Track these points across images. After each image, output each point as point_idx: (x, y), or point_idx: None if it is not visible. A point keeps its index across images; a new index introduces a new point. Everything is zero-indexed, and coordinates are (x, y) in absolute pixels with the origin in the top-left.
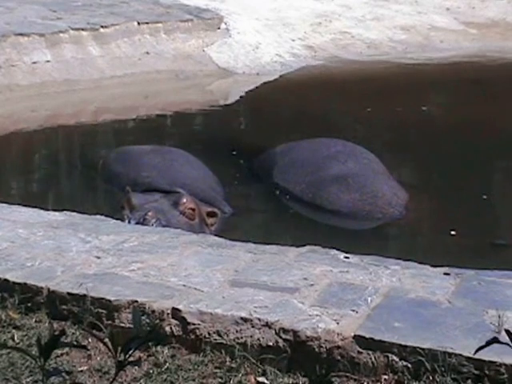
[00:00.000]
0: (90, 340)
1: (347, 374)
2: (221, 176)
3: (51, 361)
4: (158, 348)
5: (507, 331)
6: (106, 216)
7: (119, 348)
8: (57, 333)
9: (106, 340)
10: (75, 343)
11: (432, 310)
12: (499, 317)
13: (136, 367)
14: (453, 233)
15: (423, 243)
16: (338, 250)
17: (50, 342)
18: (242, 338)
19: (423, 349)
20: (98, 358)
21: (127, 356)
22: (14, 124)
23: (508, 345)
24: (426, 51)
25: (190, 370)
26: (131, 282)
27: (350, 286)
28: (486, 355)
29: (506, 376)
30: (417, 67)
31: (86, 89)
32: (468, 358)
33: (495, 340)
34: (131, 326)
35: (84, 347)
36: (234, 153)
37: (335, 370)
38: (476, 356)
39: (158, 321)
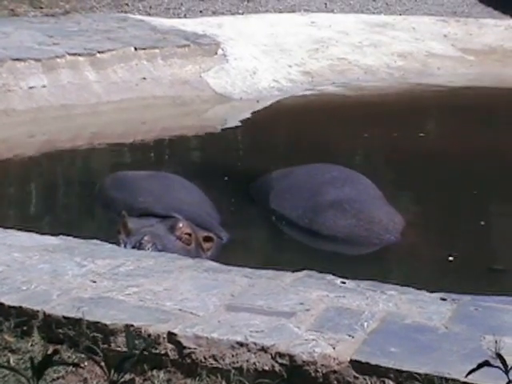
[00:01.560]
0: (85, 363)
1: None
2: (217, 201)
3: None
4: (154, 372)
5: (499, 355)
6: (102, 240)
7: (112, 369)
8: (50, 352)
9: (100, 360)
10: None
11: (429, 335)
12: (496, 342)
13: None
14: (450, 258)
15: (420, 269)
16: (334, 275)
17: (42, 362)
18: (237, 362)
19: (420, 374)
20: (94, 382)
21: (120, 376)
22: (10, 149)
23: (499, 368)
24: (424, 78)
25: None
26: (127, 306)
27: (347, 310)
28: (482, 380)
29: None
30: (414, 93)
31: (82, 114)
32: None
33: (486, 363)
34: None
35: (77, 365)
36: (230, 178)
37: None
38: (472, 381)
39: (152, 342)
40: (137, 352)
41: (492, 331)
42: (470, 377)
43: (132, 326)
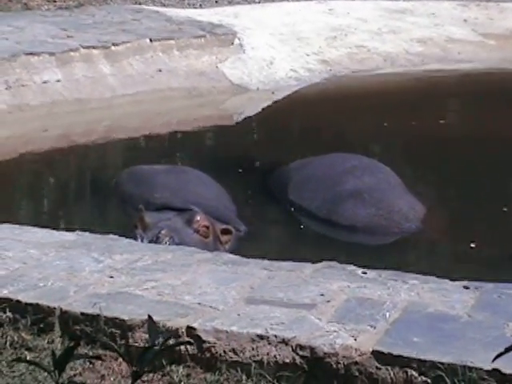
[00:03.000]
0: (103, 360)
1: None
2: (234, 194)
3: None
4: (173, 367)
5: None
6: (119, 235)
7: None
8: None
9: (122, 353)
10: (88, 362)
11: (451, 324)
12: None
13: None
14: (472, 245)
15: (442, 257)
16: (355, 265)
17: (64, 355)
18: (258, 355)
19: (443, 363)
20: (112, 379)
21: (142, 368)
22: (24, 144)
23: None
24: (444, 63)
25: None
26: (145, 300)
27: (368, 301)
28: (506, 368)
29: None
30: (434, 80)
31: (97, 108)
32: (488, 372)
33: None
34: (146, 345)
35: (99, 358)
36: (248, 170)
37: None
38: (497, 369)
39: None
40: (158, 343)
41: None
42: (493, 364)
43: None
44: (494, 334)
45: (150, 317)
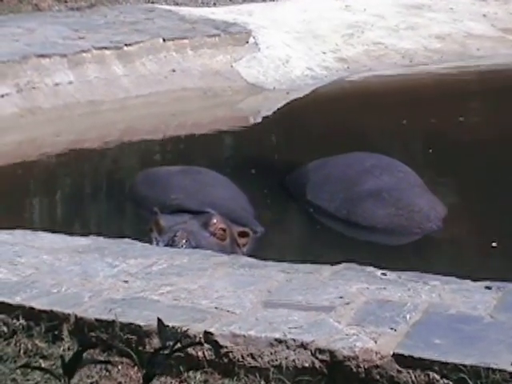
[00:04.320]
0: (119, 367)
1: None
2: (251, 195)
3: None
4: (190, 373)
5: None
6: (134, 239)
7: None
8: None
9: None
10: (105, 370)
11: (473, 325)
12: None
13: None
14: (494, 245)
15: (463, 257)
16: (374, 266)
17: (72, 359)
18: (276, 360)
19: (465, 365)
20: None
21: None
22: (37, 149)
23: None
24: (463, 60)
25: None
26: (161, 305)
27: (388, 303)
28: None
29: None
30: (453, 76)
31: (110, 110)
32: None
33: None
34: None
35: (109, 362)
36: (265, 171)
37: None
38: None
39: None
40: (169, 347)
41: None
42: None
43: (167, 326)
44: None
45: (159, 320)
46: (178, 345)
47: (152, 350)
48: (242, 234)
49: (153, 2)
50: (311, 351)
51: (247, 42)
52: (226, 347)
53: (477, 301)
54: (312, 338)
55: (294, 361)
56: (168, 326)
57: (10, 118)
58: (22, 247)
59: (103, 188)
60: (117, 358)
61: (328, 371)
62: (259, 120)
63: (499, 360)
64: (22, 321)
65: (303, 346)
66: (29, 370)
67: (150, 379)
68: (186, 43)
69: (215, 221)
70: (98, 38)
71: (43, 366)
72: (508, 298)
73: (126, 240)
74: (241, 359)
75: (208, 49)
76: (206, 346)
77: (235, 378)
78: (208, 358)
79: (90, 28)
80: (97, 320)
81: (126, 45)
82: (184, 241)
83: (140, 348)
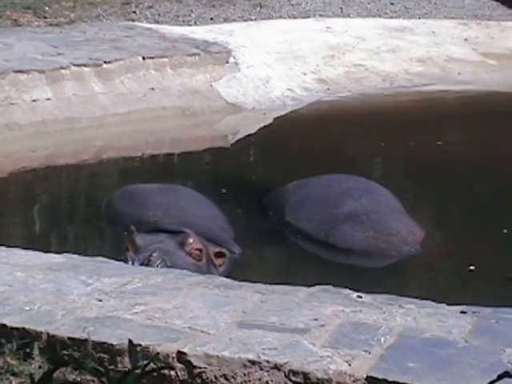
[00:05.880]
0: None
1: None
2: (229, 215)
3: None
4: None
5: None
6: (110, 258)
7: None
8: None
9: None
10: None
11: (448, 349)
12: None
13: None
14: (472, 268)
15: (440, 281)
16: (350, 289)
17: (42, 379)
18: (249, 381)
19: None
20: None
21: None
22: (13, 164)
23: None
24: (443, 83)
25: None
26: (134, 324)
27: (363, 325)
28: None
29: None
30: (433, 100)
31: (88, 127)
32: None
33: (507, 374)
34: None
35: (79, 383)
36: (243, 191)
37: None
38: None
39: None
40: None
41: None
42: None
43: (139, 345)
44: (490, 360)
45: (130, 341)
46: (151, 365)
47: (124, 369)
48: (219, 255)
49: (133, 20)
50: (285, 373)
51: (227, 62)
52: (200, 367)
53: (452, 325)
54: (286, 360)
55: (267, 382)
56: (140, 345)
57: None
58: None
59: (79, 205)
60: (88, 377)
61: None
62: (238, 140)
63: None
64: None
65: (277, 367)
66: None
67: None
68: (166, 62)
69: (191, 241)
70: (77, 55)
71: (14, 383)
72: (483, 322)
73: (101, 258)
74: (214, 380)
75: (188, 68)
76: (179, 365)
77: None
78: (181, 378)
79: (69, 44)
80: (69, 338)
81: (105, 62)
82: (160, 261)
83: (112, 367)
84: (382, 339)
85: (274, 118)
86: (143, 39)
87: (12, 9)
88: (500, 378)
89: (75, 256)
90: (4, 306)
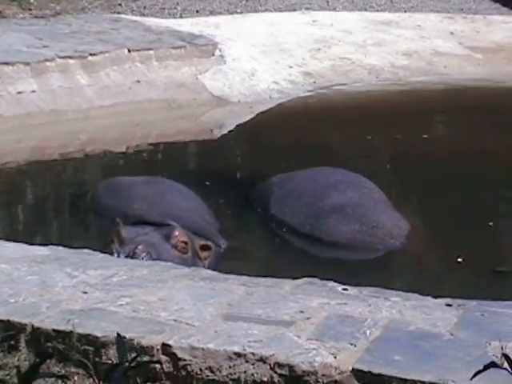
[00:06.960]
0: (75, 378)
1: None
2: (215, 208)
3: None
4: None
5: (505, 356)
6: (94, 250)
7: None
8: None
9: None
10: (61, 381)
11: (433, 342)
12: (502, 348)
13: None
14: (459, 260)
15: (425, 274)
16: (336, 281)
17: (29, 372)
18: (235, 373)
19: (424, 382)
20: None
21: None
22: None
23: (506, 370)
24: (429, 77)
25: None
26: (119, 317)
27: (349, 318)
28: None
29: None
30: (419, 93)
31: (73, 119)
32: None
33: (492, 364)
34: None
35: (65, 377)
36: (229, 184)
37: None
38: None
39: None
40: (127, 361)
41: (498, 337)
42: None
43: (124, 337)
44: (476, 353)
45: (118, 334)
46: (138, 359)
47: (109, 361)
48: (204, 248)
49: (119, 13)
50: (270, 365)
51: (213, 55)
52: (185, 360)
53: (437, 318)
54: (271, 352)
55: (252, 375)
56: (125, 337)
57: None
58: None
59: (64, 197)
60: (73, 369)
61: None
62: (223, 133)
63: (457, 377)
64: None
65: (262, 359)
66: None
67: None
68: (152, 54)
69: (177, 233)
70: (63, 47)
71: None
72: (468, 315)
73: (86, 251)
74: (199, 372)
75: (173, 60)
76: (164, 358)
77: None
78: (166, 371)
79: (54, 37)
80: (54, 330)
81: (90, 54)
82: (145, 253)
83: (97, 359)
84: (368, 332)
85: (260, 111)
86: (129, 31)
87: None
88: (486, 368)
89: (60, 248)
90: None
